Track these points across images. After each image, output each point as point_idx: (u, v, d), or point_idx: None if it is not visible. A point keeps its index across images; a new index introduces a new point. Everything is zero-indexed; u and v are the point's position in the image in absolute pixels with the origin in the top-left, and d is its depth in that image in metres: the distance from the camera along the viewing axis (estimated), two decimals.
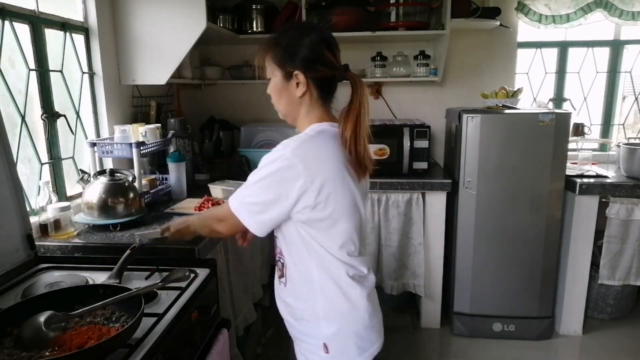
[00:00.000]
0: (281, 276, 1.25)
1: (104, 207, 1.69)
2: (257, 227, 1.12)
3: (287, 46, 1.14)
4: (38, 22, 1.76)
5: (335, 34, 1.14)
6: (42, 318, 0.93)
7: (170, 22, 2.19)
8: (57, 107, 1.86)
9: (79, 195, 1.90)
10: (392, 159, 2.66)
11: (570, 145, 2.62)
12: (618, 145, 2.77)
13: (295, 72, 1.13)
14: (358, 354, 1.17)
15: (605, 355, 2.60)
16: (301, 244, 1.14)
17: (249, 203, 1.12)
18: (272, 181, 1.08)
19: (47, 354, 0.91)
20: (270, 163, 1.09)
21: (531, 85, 3.26)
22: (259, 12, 2.87)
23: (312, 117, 1.19)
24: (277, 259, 1.25)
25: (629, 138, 3.17)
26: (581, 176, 2.63)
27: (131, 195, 1.76)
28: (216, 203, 2.01)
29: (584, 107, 3.26)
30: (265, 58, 1.18)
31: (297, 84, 1.15)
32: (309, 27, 1.21)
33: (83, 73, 2.06)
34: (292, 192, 1.06)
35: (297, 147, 1.08)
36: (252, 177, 1.11)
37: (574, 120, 2.78)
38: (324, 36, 1.15)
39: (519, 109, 2.68)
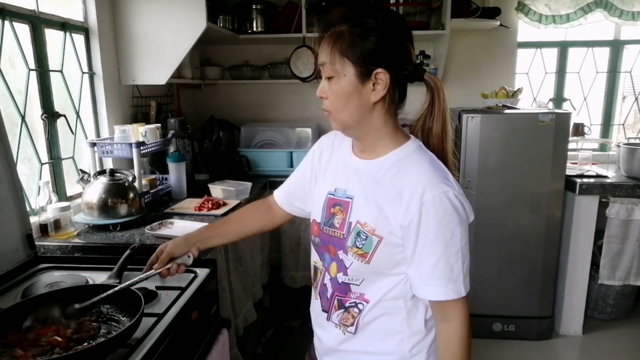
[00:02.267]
0: (352, 324, 0.99)
1: (104, 207, 1.70)
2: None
3: (373, 36, 0.87)
4: (38, 22, 1.76)
5: None
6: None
7: (170, 22, 2.19)
8: (57, 107, 1.86)
9: (79, 195, 1.90)
10: None
11: (570, 145, 2.62)
12: (618, 145, 2.77)
13: (378, 70, 0.88)
14: None
15: (605, 355, 2.60)
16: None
17: (465, 275, 0.89)
18: (465, 238, 0.89)
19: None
20: (453, 221, 0.87)
21: (531, 85, 3.26)
22: (259, 12, 2.87)
23: (392, 131, 0.97)
24: (350, 304, 0.99)
25: (629, 138, 3.17)
26: (581, 176, 2.63)
27: (131, 195, 1.76)
28: (216, 203, 2.01)
29: (584, 107, 3.26)
30: (332, 50, 0.89)
31: (375, 85, 0.90)
32: (393, 12, 0.96)
33: (83, 73, 2.06)
34: None
35: (456, 184, 0.91)
36: (447, 247, 0.87)
37: (574, 120, 2.78)
38: (408, 27, 0.93)
39: (519, 109, 2.68)
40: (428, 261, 0.88)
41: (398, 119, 0.98)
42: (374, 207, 0.92)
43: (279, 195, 1.23)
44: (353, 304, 0.98)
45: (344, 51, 0.88)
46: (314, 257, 1.07)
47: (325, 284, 1.02)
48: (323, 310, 1.04)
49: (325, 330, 1.05)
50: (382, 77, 0.89)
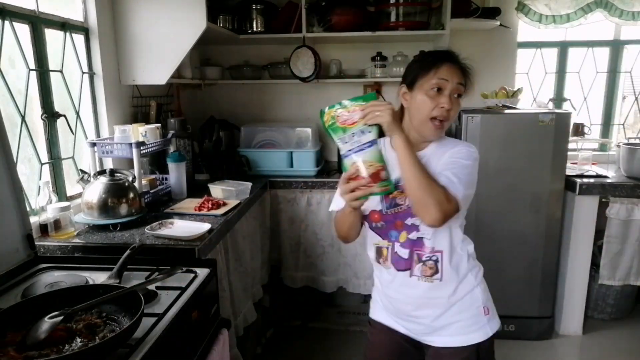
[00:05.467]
0: (434, 274, 1.29)
1: (104, 207, 1.70)
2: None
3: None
4: (38, 22, 1.76)
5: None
6: (45, 327, 0.94)
7: (170, 22, 2.19)
8: (57, 107, 1.86)
9: (79, 195, 1.90)
10: None
11: (570, 145, 2.62)
12: (618, 145, 2.77)
13: None
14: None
15: (605, 355, 2.60)
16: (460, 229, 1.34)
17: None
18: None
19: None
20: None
21: (531, 85, 3.26)
22: (259, 12, 2.87)
23: None
24: (426, 258, 1.28)
25: (629, 138, 3.17)
26: (581, 176, 2.63)
27: (131, 195, 1.77)
28: (216, 203, 2.01)
29: (584, 107, 3.26)
30: (467, 79, 1.29)
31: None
32: None
33: (83, 73, 2.06)
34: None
35: None
36: (470, 166, 1.25)
37: (574, 120, 2.78)
38: None
39: (519, 109, 2.68)
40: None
41: None
42: None
43: None
44: (428, 258, 1.27)
45: (468, 84, 1.29)
46: (375, 240, 1.34)
47: (397, 252, 1.30)
48: (402, 270, 1.30)
49: (410, 287, 1.31)
50: None
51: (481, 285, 1.35)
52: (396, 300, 1.36)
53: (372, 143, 1.12)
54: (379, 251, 1.34)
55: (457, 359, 1.33)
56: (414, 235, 1.27)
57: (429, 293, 1.30)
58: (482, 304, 1.33)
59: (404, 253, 1.29)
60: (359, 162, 1.11)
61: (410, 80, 1.30)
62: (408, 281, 1.30)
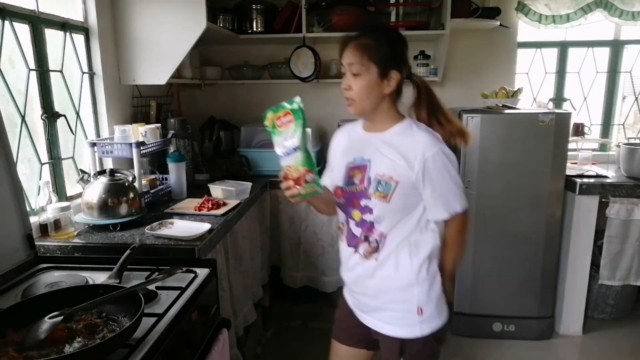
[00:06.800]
0: (372, 253, 1.34)
1: (104, 207, 1.70)
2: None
3: (391, 46, 1.25)
4: (38, 22, 1.76)
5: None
6: (45, 327, 0.93)
7: (170, 22, 2.19)
8: (57, 107, 1.86)
9: (79, 195, 1.90)
10: None
11: (570, 145, 2.62)
12: (618, 145, 2.77)
13: (393, 71, 1.25)
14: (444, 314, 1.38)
15: (605, 355, 2.60)
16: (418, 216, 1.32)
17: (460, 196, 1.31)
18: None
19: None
20: (449, 166, 1.28)
21: (531, 85, 3.26)
22: (259, 12, 2.87)
23: (395, 113, 1.33)
24: (372, 239, 1.33)
25: (629, 138, 3.17)
26: (581, 176, 2.63)
27: (131, 195, 1.77)
28: (216, 203, 2.01)
29: (584, 107, 3.26)
30: (362, 55, 1.23)
31: (389, 82, 1.26)
32: (396, 29, 1.42)
33: (83, 73, 2.06)
34: None
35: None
36: (454, 172, 1.29)
37: (574, 120, 2.78)
38: (405, 38, 1.31)
39: (519, 109, 2.68)
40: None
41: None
42: (388, 162, 1.27)
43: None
44: (374, 239, 1.31)
45: (371, 56, 1.23)
46: (338, 218, 1.41)
47: (351, 229, 1.35)
48: (349, 246, 1.37)
49: (355, 264, 1.36)
50: (395, 76, 1.25)
51: (423, 286, 1.33)
52: (348, 275, 1.42)
53: (296, 149, 1.18)
54: (339, 228, 1.41)
55: (384, 345, 1.40)
56: (368, 217, 1.30)
57: (367, 272, 1.35)
58: (416, 303, 1.32)
59: (357, 231, 1.34)
60: (285, 167, 1.21)
61: None
62: (354, 258, 1.36)
